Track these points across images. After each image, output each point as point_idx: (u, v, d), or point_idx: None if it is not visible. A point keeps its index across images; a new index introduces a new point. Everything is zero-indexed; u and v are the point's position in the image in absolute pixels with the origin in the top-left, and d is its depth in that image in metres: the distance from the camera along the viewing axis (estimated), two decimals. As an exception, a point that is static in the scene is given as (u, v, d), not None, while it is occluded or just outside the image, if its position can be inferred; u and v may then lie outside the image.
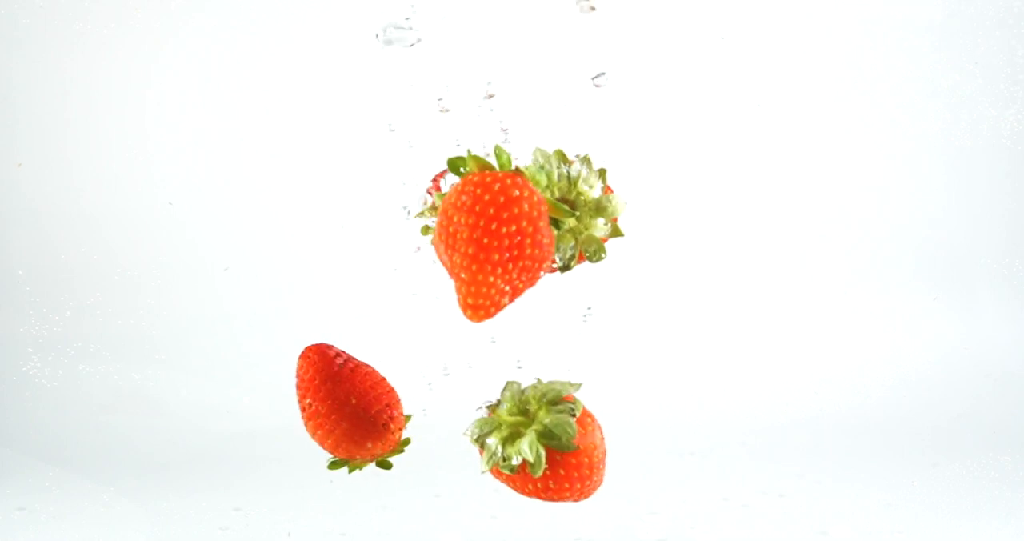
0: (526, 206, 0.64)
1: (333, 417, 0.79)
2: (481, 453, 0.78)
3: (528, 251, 0.64)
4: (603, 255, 0.77)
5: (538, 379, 0.80)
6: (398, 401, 0.83)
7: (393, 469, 0.83)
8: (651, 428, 1.64)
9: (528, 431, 0.76)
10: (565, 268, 0.77)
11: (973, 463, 1.50)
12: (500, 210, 0.63)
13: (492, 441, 0.77)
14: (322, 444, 0.81)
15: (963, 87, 1.92)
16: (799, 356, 1.83)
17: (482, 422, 0.78)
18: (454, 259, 0.65)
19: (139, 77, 1.86)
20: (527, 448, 0.74)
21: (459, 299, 0.65)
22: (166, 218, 1.83)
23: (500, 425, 0.77)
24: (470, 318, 0.65)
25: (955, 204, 1.99)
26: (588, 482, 0.76)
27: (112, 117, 1.87)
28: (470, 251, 0.64)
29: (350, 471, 0.83)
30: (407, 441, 0.83)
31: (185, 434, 1.60)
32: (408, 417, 0.83)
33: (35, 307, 1.76)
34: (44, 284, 1.79)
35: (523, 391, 0.79)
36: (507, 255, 0.64)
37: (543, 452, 0.74)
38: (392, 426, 0.81)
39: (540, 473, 0.74)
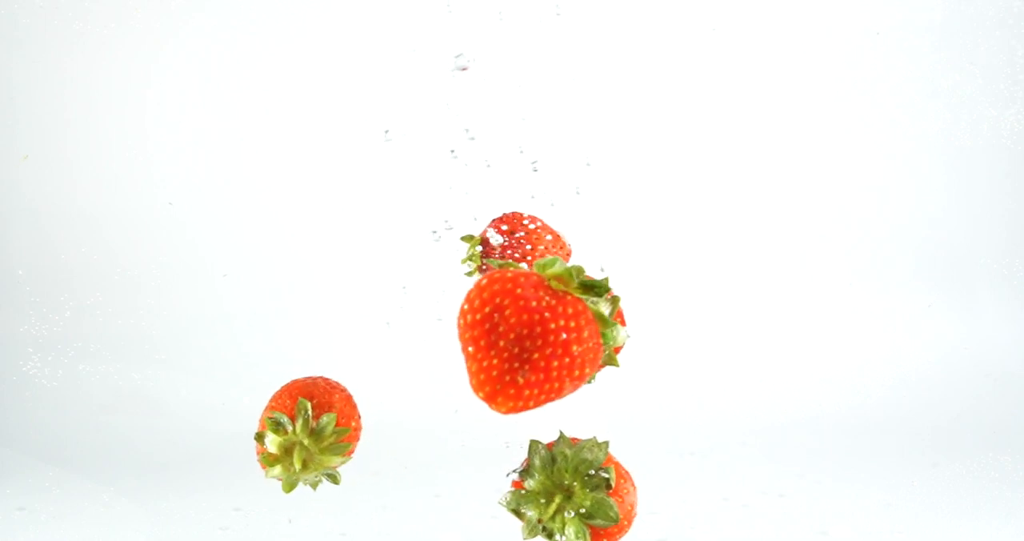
0: (496, 286, 0.63)
1: (313, 378, 0.82)
2: (521, 521, 0.80)
3: (513, 319, 0.63)
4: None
5: (561, 433, 0.81)
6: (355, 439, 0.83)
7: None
8: (651, 428, 1.64)
9: (571, 517, 0.78)
10: None
11: (973, 463, 1.50)
12: (474, 299, 0.64)
13: (531, 514, 0.79)
14: (286, 393, 0.81)
15: (963, 87, 1.92)
16: (799, 356, 1.83)
17: (518, 496, 0.80)
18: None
19: (139, 77, 1.86)
20: (574, 536, 0.77)
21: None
22: (166, 218, 1.83)
23: (537, 499, 0.79)
24: (494, 408, 0.63)
25: (955, 204, 1.99)
26: (625, 534, 0.80)
27: (112, 117, 1.87)
28: (462, 348, 0.64)
29: (286, 486, 0.80)
30: (349, 445, 0.82)
31: (185, 434, 1.60)
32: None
33: (35, 307, 1.76)
34: (44, 284, 1.79)
35: (553, 459, 0.80)
36: (493, 335, 0.63)
37: (588, 532, 0.78)
38: (355, 423, 0.82)
39: None
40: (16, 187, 1.84)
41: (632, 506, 0.81)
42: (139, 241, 1.84)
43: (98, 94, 1.86)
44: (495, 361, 0.63)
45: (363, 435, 0.85)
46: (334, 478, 0.82)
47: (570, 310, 0.64)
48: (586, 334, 0.64)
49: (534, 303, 0.63)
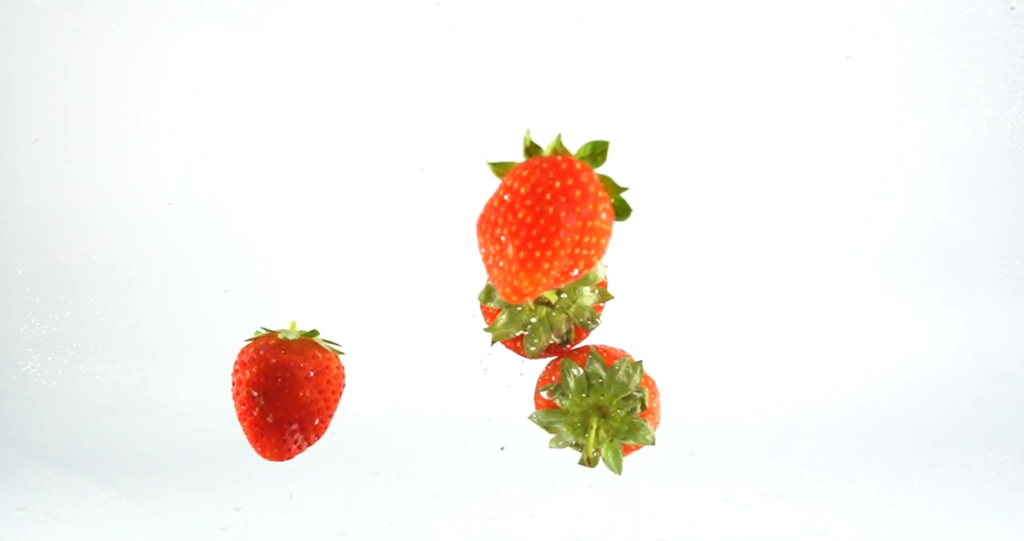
0: (496, 202, 0.66)
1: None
2: (551, 434, 0.80)
3: (487, 232, 0.64)
4: (598, 321, 0.80)
5: (593, 351, 0.80)
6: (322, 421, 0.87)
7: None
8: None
9: (609, 442, 0.78)
10: (565, 343, 0.81)
11: (973, 463, 1.50)
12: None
13: (563, 429, 0.80)
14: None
15: (963, 87, 1.92)
16: (799, 356, 1.83)
17: (550, 414, 0.80)
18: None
19: (139, 77, 1.86)
20: (612, 459, 0.78)
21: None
22: (166, 218, 1.83)
23: (571, 419, 0.79)
24: (526, 293, 0.62)
25: (955, 204, 1.99)
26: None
27: (112, 117, 1.86)
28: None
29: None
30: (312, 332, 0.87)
31: (185, 434, 1.60)
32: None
33: (35, 307, 1.76)
34: (44, 284, 1.79)
35: (588, 381, 0.79)
36: (488, 259, 0.64)
37: (622, 454, 0.79)
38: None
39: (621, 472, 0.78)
40: (16, 187, 1.84)
41: (660, 418, 0.81)
42: (139, 241, 1.84)
43: (98, 94, 1.86)
44: (496, 265, 0.63)
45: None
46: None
47: (508, 179, 0.64)
48: (536, 178, 0.63)
49: (488, 211, 0.65)
